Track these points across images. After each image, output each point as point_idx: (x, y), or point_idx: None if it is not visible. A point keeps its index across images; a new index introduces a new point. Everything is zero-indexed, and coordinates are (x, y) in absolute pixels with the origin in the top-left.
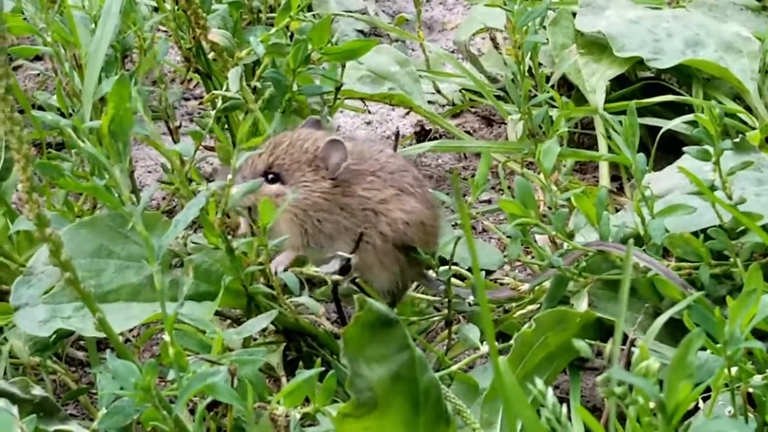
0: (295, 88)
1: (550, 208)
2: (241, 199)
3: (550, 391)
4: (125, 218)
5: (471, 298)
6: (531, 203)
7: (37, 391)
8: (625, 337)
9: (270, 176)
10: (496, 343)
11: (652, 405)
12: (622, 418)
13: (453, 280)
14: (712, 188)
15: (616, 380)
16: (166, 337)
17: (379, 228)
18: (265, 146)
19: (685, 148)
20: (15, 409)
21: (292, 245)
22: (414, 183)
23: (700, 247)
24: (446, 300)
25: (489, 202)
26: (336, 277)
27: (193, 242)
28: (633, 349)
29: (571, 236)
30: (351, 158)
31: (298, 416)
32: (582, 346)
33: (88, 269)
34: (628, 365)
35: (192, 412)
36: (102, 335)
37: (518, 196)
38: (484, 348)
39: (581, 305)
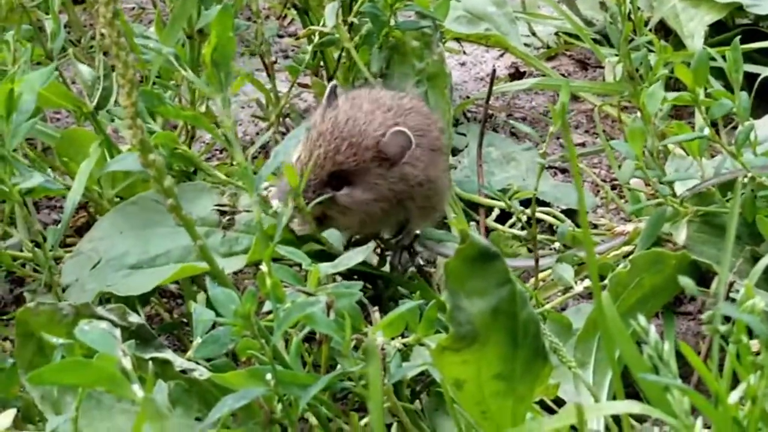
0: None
1: (650, 153)
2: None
3: (652, 327)
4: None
5: (557, 244)
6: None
7: (134, 318)
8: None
9: (335, 180)
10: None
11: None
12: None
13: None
14: None
15: (720, 318)
16: (264, 268)
17: (417, 202)
18: (317, 145)
19: None
20: (117, 332)
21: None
22: (439, 133)
23: None
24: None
25: (583, 145)
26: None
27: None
28: (731, 293)
29: (671, 187)
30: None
31: (397, 346)
32: (688, 282)
33: (135, 240)
34: None
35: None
36: None
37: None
38: (578, 288)
39: (680, 236)
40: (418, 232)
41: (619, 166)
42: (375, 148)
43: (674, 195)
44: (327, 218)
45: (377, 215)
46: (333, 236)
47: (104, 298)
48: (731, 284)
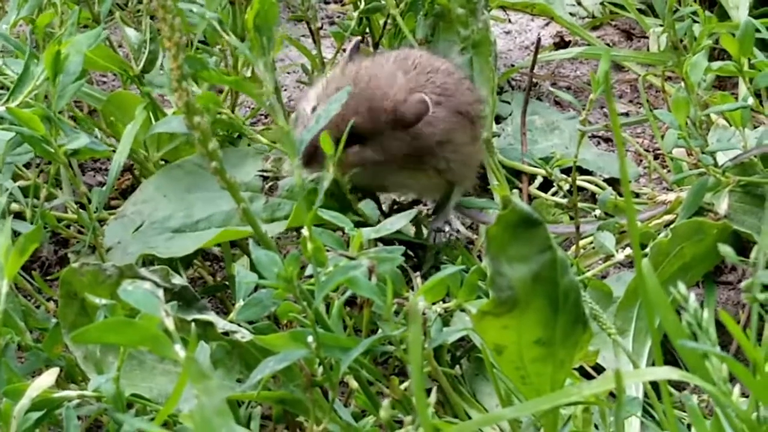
0: None
1: (693, 123)
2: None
3: (692, 295)
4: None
5: (598, 211)
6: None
7: (177, 280)
8: None
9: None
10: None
11: None
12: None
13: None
14: None
15: (759, 285)
16: (305, 232)
17: (441, 164)
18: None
19: None
20: (161, 292)
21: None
22: (472, 101)
23: None
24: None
25: (626, 114)
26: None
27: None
28: None
29: (713, 157)
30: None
31: (438, 311)
32: (728, 251)
33: (179, 204)
34: None
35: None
36: None
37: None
38: (619, 256)
39: (722, 206)
40: (452, 214)
41: (662, 136)
42: (393, 112)
43: (716, 165)
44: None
45: (392, 171)
46: (368, 207)
47: (147, 261)
48: None
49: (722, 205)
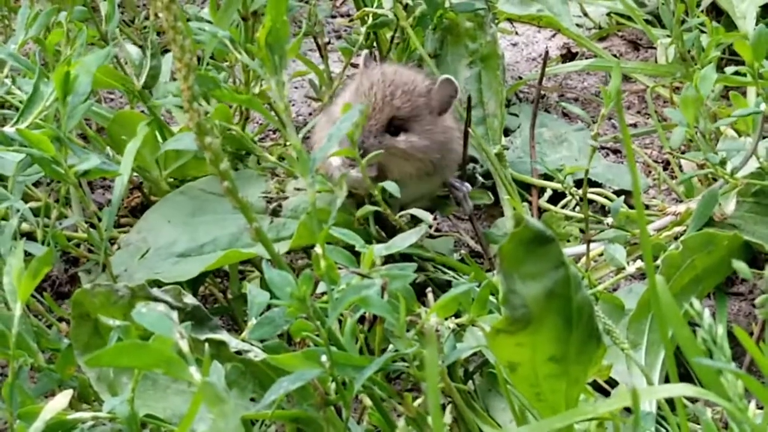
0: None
1: (702, 135)
2: (372, 159)
3: (706, 311)
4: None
5: (610, 220)
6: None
7: (189, 299)
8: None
9: (392, 127)
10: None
11: None
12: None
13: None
14: None
15: None
16: (318, 250)
17: (453, 155)
18: (373, 92)
19: None
20: (175, 314)
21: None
22: None
23: None
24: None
25: (635, 125)
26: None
27: (296, 188)
28: None
29: (722, 163)
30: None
31: (452, 326)
32: (741, 266)
33: (183, 229)
34: None
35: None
36: None
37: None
38: (630, 268)
39: (729, 207)
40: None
41: (671, 150)
42: (427, 95)
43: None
44: (384, 169)
45: (429, 166)
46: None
47: (159, 282)
48: None
49: (729, 206)
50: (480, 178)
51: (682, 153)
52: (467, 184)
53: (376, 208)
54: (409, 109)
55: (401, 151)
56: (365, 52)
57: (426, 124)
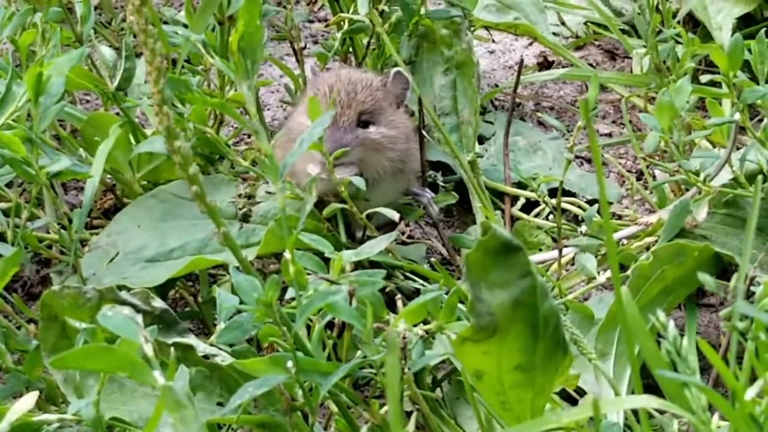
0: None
1: (676, 146)
2: (352, 155)
3: (671, 322)
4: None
5: (584, 228)
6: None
7: (157, 303)
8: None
9: (361, 122)
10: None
11: None
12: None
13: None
14: None
15: (739, 315)
16: (287, 255)
17: (413, 156)
18: (335, 92)
19: None
20: (140, 318)
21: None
22: None
23: None
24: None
25: (610, 135)
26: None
27: (267, 192)
28: (752, 287)
29: (696, 174)
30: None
31: (420, 333)
32: (707, 279)
33: (153, 233)
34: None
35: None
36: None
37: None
38: (600, 278)
39: (700, 214)
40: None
41: (644, 159)
42: (384, 89)
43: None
44: (361, 165)
45: (399, 156)
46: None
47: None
48: (753, 278)
49: (701, 214)
50: (441, 185)
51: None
52: (428, 190)
53: (342, 205)
54: (373, 102)
55: (376, 143)
56: (310, 63)
57: (389, 116)
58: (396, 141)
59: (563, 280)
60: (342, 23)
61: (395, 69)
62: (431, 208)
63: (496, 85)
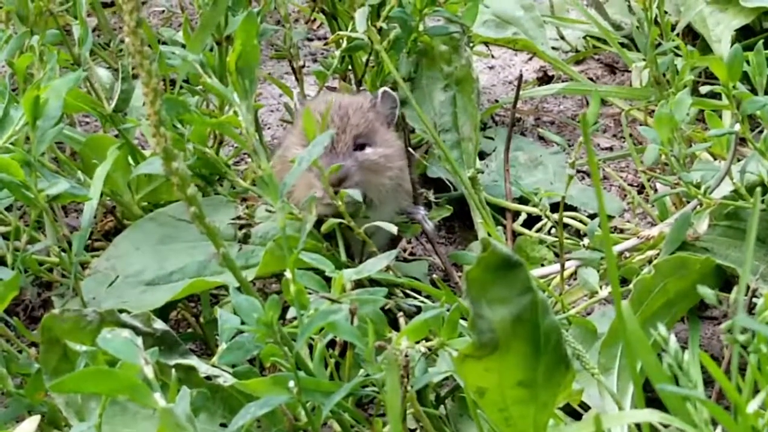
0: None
1: (677, 159)
2: (356, 177)
3: (672, 336)
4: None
5: (586, 241)
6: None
7: (158, 325)
8: (747, 286)
9: (357, 146)
10: None
11: None
12: (741, 369)
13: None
14: None
15: (740, 328)
16: (288, 275)
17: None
18: (329, 119)
19: None
20: (140, 340)
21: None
22: None
23: None
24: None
25: (610, 149)
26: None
27: (267, 210)
28: (754, 299)
29: (697, 186)
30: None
31: (423, 350)
32: (707, 292)
33: (152, 256)
34: (750, 315)
35: (310, 350)
36: None
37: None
38: (603, 292)
39: (702, 226)
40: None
41: (645, 172)
42: (374, 109)
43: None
44: (362, 187)
45: (398, 174)
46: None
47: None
48: (755, 291)
49: (702, 226)
50: (434, 201)
51: (657, 175)
52: (421, 207)
53: (339, 220)
54: (366, 125)
55: (375, 164)
56: (296, 91)
57: (383, 135)
58: (393, 159)
59: (566, 295)
60: (341, 41)
61: (382, 89)
62: (426, 224)
63: (496, 101)
